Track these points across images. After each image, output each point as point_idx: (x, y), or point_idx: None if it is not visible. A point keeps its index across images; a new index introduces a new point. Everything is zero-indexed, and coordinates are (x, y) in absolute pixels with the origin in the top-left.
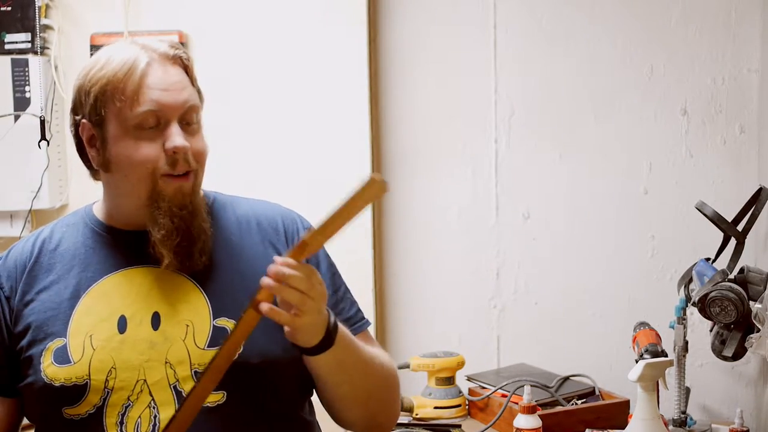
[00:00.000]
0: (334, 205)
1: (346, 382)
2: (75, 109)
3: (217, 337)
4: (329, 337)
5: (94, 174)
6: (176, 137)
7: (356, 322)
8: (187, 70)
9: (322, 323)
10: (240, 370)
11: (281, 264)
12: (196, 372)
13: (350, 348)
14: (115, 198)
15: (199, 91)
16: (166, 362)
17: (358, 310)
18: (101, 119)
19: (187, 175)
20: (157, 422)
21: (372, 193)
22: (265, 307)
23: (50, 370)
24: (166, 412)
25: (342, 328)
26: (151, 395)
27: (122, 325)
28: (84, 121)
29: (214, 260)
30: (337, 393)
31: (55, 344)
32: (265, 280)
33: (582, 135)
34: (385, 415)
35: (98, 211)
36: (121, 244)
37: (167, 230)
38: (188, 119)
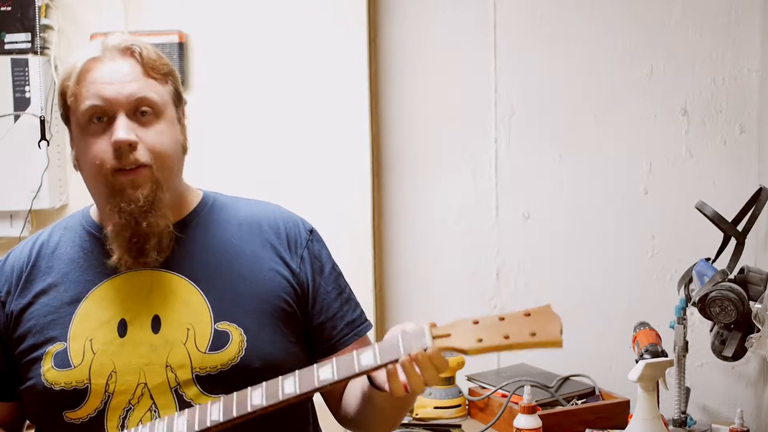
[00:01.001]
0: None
1: (392, 414)
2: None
3: (218, 340)
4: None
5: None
6: (119, 131)
7: (360, 324)
8: (142, 61)
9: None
10: (242, 374)
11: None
12: (197, 375)
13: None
14: (93, 198)
15: (169, 83)
16: (167, 366)
17: (362, 312)
18: (67, 118)
19: (138, 170)
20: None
21: (547, 345)
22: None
23: (50, 374)
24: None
25: None
26: (152, 399)
27: (122, 328)
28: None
29: (216, 263)
30: (375, 420)
31: (55, 348)
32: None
33: (582, 135)
34: (394, 425)
35: (95, 214)
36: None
37: (114, 226)
38: (140, 111)
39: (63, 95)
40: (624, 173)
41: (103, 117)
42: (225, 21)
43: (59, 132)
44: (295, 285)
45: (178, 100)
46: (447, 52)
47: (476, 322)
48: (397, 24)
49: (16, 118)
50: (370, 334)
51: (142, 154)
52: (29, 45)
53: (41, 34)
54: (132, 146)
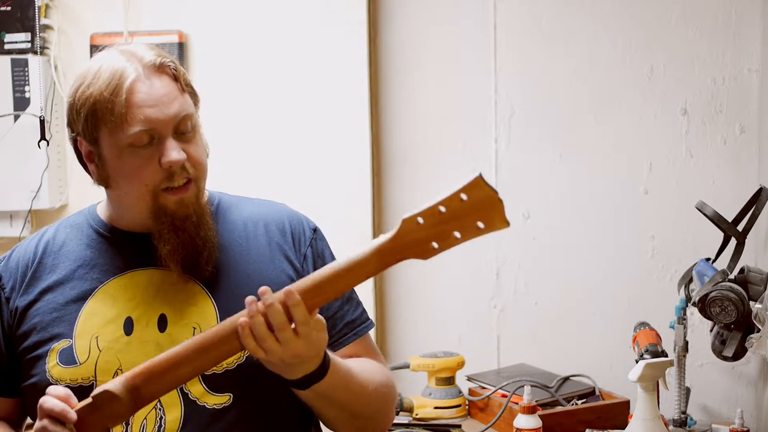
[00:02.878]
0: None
1: (332, 407)
2: (70, 125)
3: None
4: (315, 375)
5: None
6: (171, 152)
7: (360, 324)
8: (175, 76)
9: (304, 365)
10: (247, 373)
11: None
12: (203, 374)
13: (336, 383)
14: (120, 209)
15: (193, 94)
16: None
17: (363, 311)
18: (94, 138)
19: (186, 186)
20: (162, 423)
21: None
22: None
23: (56, 370)
24: (172, 414)
25: (337, 363)
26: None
27: (129, 326)
28: (79, 138)
29: (221, 263)
30: (324, 416)
31: (60, 345)
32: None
33: (582, 135)
34: (375, 427)
35: (102, 212)
36: (127, 246)
37: (172, 245)
38: (182, 129)
39: (77, 112)
40: (624, 173)
41: (149, 139)
42: (225, 21)
43: (59, 132)
44: None
45: (197, 106)
46: (447, 52)
47: (418, 221)
48: (397, 24)
49: (16, 118)
50: (372, 334)
51: (190, 170)
52: (29, 45)
53: (41, 34)
54: (183, 166)
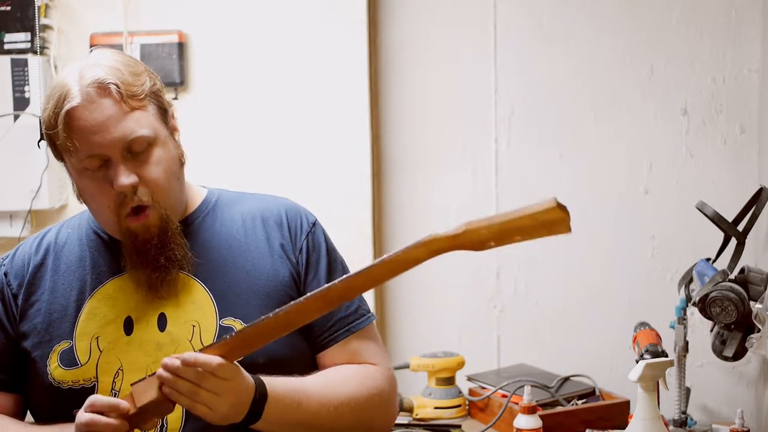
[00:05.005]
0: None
1: None
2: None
3: (224, 336)
4: (254, 415)
5: None
6: (119, 177)
7: (354, 320)
8: (121, 95)
9: (236, 408)
10: (247, 370)
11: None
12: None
13: (286, 413)
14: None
15: (153, 101)
16: None
17: (359, 307)
18: (60, 157)
19: (145, 211)
20: (164, 423)
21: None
22: (165, 389)
23: (57, 372)
24: (174, 413)
25: (279, 393)
26: None
27: (129, 326)
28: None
29: (220, 259)
30: None
31: (61, 347)
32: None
33: (582, 135)
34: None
35: None
36: (126, 246)
37: (134, 265)
38: (135, 149)
39: (50, 138)
40: (624, 173)
41: (101, 163)
42: (225, 21)
43: None
44: (296, 277)
45: (164, 113)
46: (447, 52)
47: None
48: (397, 24)
49: (16, 117)
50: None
51: (143, 194)
52: (29, 45)
53: (41, 34)
54: (134, 187)
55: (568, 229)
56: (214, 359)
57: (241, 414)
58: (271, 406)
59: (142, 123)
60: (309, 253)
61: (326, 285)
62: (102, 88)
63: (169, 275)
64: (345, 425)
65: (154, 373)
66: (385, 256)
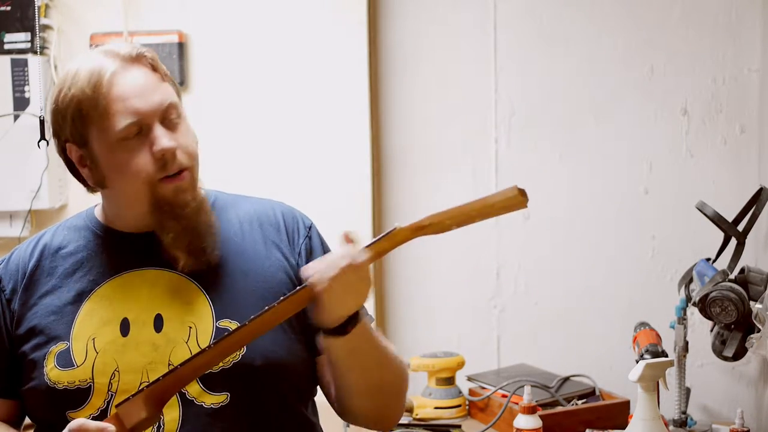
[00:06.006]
0: (465, 201)
1: (359, 368)
2: (56, 133)
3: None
4: (350, 322)
5: (90, 188)
6: (161, 139)
7: None
8: (154, 66)
9: (348, 307)
10: (243, 372)
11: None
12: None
13: (368, 337)
14: (118, 208)
15: (173, 84)
16: (169, 364)
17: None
18: (85, 138)
19: (181, 174)
20: (161, 424)
21: (509, 204)
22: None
23: (53, 373)
24: (171, 414)
25: (364, 316)
26: None
27: (125, 327)
28: (68, 144)
29: (217, 261)
30: (348, 380)
31: (58, 348)
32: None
33: (582, 135)
34: (391, 409)
35: (99, 214)
36: (123, 247)
37: (176, 232)
38: (169, 117)
39: (62, 116)
40: (624, 173)
41: (138, 130)
42: (225, 21)
43: None
44: (294, 281)
45: (179, 94)
46: (447, 52)
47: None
48: (397, 24)
49: (16, 118)
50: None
51: (182, 158)
52: (29, 45)
53: (41, 34)
54: (174, 152)
55: (525, 205)
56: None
57: (342, 317)
58: (361, 324)
59: (173, 93)
60: (307, 256)
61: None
62: (136, 58)
63: (205, 243)
64: (395, 387)
65: (139, 391)
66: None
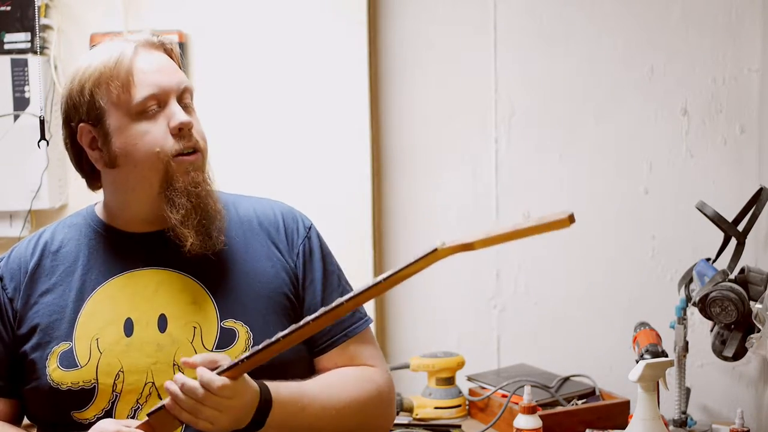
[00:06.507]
0: (519, 224)
1: None
2: (69, 118)
3: (225, 338)
4: (257, 422)
5: (92, 184)
6: (179, 114)
7: (350, 325)
8: (173, 56)
9: (239, 421)
10: (248, 372)
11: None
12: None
13: (290, 416)
14: (124, 194)
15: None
16: (174, 365)
17: (356, 311)
18: (101, 114)
19: (196, 154)
20: None
21: (555, 227)
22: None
23: (56, 374)
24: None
25: (283, 398)
26: (160, 398)
27: (129, 327)
28: (82, 124)
29: (220, 261)
30: None
31: (60, 348)
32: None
33: (582, 135)
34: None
35: (101, 212)
36: (126, 247)
37: (186, 210)
38: (185, 100)
39: (79, 94)
40: (624, 173)
41: (156, 106)
42: (225, 21)
43: (59, 132)
44: (293, 281)
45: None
46: (447, 52)
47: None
48: (397, 24)
49: (16, 117)
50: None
51: (198, 138)
52: (29, 45)
53: (41, 34)
54: (190, 129)
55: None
56: (216, 381)
57: (243, 423)
58: (276, 412)
59: (189, 81)
60: (305, 257)
61: (337, 302)
62: (157, 44)
63: (212, 225)
64: (347, 427)
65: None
66: (391, 271)
